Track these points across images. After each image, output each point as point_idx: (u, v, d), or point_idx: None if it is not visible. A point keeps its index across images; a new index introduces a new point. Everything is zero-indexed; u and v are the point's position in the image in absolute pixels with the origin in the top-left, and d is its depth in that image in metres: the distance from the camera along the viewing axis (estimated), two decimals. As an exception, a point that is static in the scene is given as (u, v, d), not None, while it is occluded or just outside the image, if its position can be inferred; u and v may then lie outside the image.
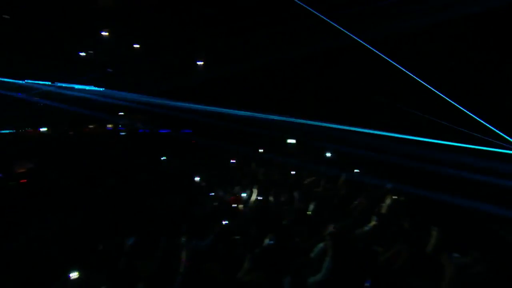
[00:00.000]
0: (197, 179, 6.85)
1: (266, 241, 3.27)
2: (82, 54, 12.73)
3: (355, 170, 6.94)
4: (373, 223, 3.74)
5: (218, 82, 12.87)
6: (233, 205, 4.93)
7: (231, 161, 9.05)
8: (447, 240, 3.53)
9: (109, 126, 16.80)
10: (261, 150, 10.78)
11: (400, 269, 3.06)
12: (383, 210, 4.25)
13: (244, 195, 5.45)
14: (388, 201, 4.37)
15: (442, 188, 5.76)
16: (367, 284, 2.97)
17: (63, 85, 13.20)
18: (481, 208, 5.43)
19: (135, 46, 12.56)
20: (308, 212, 4.49)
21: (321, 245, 3.39)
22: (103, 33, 11.36)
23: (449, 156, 7.10)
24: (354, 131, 8.21)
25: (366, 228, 3.71)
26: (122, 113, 16.70)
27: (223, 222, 3.87)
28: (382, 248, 3.47)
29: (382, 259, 3.29)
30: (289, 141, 11.88)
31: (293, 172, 7.20)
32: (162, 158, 9.86)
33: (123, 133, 16.69)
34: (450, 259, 2.66)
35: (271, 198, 5.55)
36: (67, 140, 13.85)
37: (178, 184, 6.77)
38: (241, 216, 4.66)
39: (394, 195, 5.46)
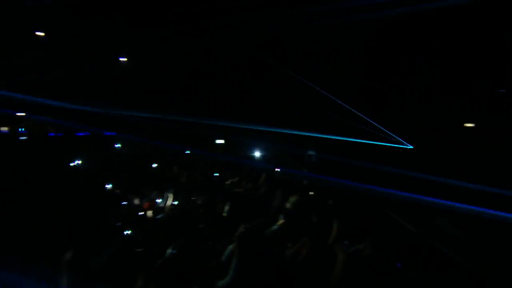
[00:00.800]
0: (109, 186, 6.12)
1: (169, 250, 3.02)
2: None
3: (276, 169, 7.21)
4: (281, 221, 3.84)
5: (142, 84, 12.02)
6: (141, 213, 4.50)
7: (153, 165, 8.43)
8: (348, 230, 3.89)
9: (4, 129, 13.86)
10: (187, 152, 10.45)
11: (303, 261, 3.19)
12: (289, 207, 4.44)
13: (159, 201, 5.05)
14: (293, 198, 4.58)
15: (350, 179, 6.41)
16: None
17: None
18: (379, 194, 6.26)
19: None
20: (223, 214, 4.39)
21: (231, 247, 3.33)
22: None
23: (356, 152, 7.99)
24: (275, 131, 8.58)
25: (275, 226, 3.79)
26: (23, 114, 13.96)
27: (126, 233, 3.46)
28: (291, 244, 3.59)
29: (288, 254, 3.39)
30: (218, 141, 11.83)
31: (216, 174, 7.06)
32: (70, 164, 8.56)
33: (23, 138, 13.95)
34: (342, 247, 2.87)
35: (189, 202, 5.34)
36: None
37: (84, 193, 5.92)
38: (151, 224, 4.28)
39: (309, 190, 5.86)
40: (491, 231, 5.85)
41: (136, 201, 5.54)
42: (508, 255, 4.89)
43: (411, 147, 8.88)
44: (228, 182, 6.68)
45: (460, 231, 5.60)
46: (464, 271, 4.44)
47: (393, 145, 8.61)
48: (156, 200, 5.16)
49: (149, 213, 4.52)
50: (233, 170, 7.58)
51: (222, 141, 11.73)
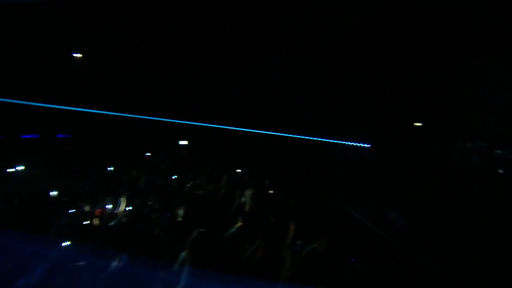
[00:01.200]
0: (54, 193, 5.58)
1: (114, 263, 2.80)
2: None
3: (238, 170, 7.16)
4: (238, 223, 3.79)
5: (100, 81, 11.22)
6: (86, 222, 4.16)
7: (108, 168, 7.88)
8: (305, 229, 3.93)
9: None
10: (148, 154, 9.99)
11: (258, 262, 3.16)
12: (247, 208, 4.40)
13: (109, 206, 4.72)
14: (249, 198, 4.55)
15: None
16: None
17: None
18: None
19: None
20: (178, 219, 4.22)
21: (184, 253, 3.19)
22: None
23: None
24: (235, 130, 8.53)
25: (233, 228, 3.72)
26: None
27: (64, 245, 3.15)
28: (248, 246, 3.54)
29: (246, 255, 3.34)
30: (181, 142, 11.47)
31: (174, 177, 6.80)
32: (7, 170, 7.66)
33: None
34: (293, 249, 2.88)
35: (145, 207, 5.07)
36: None
37: (21, 203, 5.33)
38: (98, 234, 3.98)
39: (270, 190, 5.88)
40: (440, 223, 6.37)
41: (87, 208, 5.14)
42: (456, 246, 5.32)
43: (369, 145, 9.38)
44: (189, 185, 6.47)
45: (409, 223, 5.99)
46: (412, 262, 4.74)
47: (351, 143, 9.01)
48: (107, 206, 4.81)
49: (96, 221, 4.18)
50: (195, 172, 7.37)
51: (185, 142, 11.40)
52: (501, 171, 8.18)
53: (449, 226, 6.25)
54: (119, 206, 4.87)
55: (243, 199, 4.67)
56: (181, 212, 4.30)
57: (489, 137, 8.74)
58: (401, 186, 8.04)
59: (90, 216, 4.71)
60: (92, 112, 10.82)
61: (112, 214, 4.87)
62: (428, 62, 9.44)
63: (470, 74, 9.52)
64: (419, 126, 9.88)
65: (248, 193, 4.58)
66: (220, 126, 8.78)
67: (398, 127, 10.06)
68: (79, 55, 10.37)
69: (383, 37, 8.43)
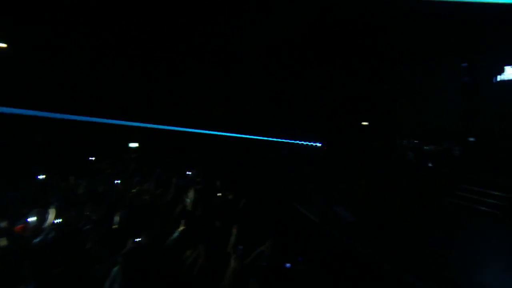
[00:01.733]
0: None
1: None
2: None
3: (188, 172, 6.86)
4: (181, 227, 3.56)
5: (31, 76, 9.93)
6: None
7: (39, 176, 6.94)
8: (253, 232, 3.82)
9: None
10: (91, 159, 9.11)
11: (199, 269, 2.98)
12: (189, 208, 4.19)
13: (32, 219, 4.12)
14: (191, 194, 4.36)
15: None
16: None
17: None
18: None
19: None
20: (114, 226, 3.83)
21: (116, 269, 2.86)
22: None
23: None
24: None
25: (175, 234, 3.48)
26: None
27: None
28: (190, 252, 3.33)
29: (187, 262, 3.13)
30: (131, 145, 10.70)
31: (117, 181, 6.27)
32: None
33: None
34: (236, 254, 2.76)
35: (81, 218, 4.53)
36: None
37: None
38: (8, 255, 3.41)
39: (220, 192, 5.71)
40: (382, 216, 6.79)
41: (3, 224, 4.41)
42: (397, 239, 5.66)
43: (320, 144, 9.73)
44: (134, 190, 6.00)
45: (355, 218, 6.28)
46: (359, 257, 4.93)
47: (305, 143, 9.26)
48: (30, 220, 4.19)
49: (2, 241, 3.57)
50: (144, 176, 6.87)
51: (136, 144, 10.66)
52: (430, 164, 9.17)
53: (390, 219, 6.67)
54: (47, 219, 4.28)
55: (188, 202, 4.43)
56: (118, 220, 3.91)
57: (419, 135, 9.82)
58: (350, 181, 8.45)
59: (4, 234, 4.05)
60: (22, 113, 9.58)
61: (38, 229, 4.26)
62: (374, 69, 10.27)
63: (408, 81, 10.58)
64: (365, 125, 10.59)
65: (193, 195, 4.35)
66: (172, 128, 8.36)
67: (348, 126, 10.65)
68: (1, 45, 9.02)
69: (336, 43, 8.83)
